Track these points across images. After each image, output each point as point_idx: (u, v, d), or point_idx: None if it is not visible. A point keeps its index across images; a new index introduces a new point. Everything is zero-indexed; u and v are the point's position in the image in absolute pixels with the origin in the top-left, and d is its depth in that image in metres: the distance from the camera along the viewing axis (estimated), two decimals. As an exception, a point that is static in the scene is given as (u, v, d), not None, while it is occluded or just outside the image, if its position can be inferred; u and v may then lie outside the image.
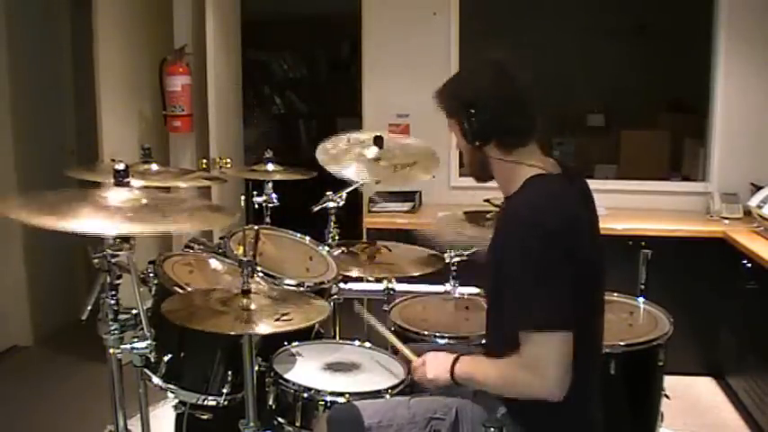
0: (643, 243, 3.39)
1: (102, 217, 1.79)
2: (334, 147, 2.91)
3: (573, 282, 1.69)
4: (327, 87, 6.92)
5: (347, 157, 2.82)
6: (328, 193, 2.92)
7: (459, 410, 1.84)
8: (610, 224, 3.85)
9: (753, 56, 4.15)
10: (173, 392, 2.17)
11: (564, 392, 1.65)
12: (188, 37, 4.25)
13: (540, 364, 1.65)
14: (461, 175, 4.48)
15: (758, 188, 3.92)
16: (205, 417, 2.29)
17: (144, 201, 1.89)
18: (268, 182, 2.99)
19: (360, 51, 4.63)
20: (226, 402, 2.17)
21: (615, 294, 2.69)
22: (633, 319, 2.61)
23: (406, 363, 2.08)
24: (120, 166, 1.93)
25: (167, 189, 2.78)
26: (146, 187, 2.21)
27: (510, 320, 1.73)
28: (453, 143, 1.96)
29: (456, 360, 1.86)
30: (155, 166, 2.67)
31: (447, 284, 2.75)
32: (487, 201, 2.82)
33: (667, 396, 2.52)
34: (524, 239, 1.69)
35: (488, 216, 2.86)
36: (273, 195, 2.97)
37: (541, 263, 1.67)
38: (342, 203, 2.92)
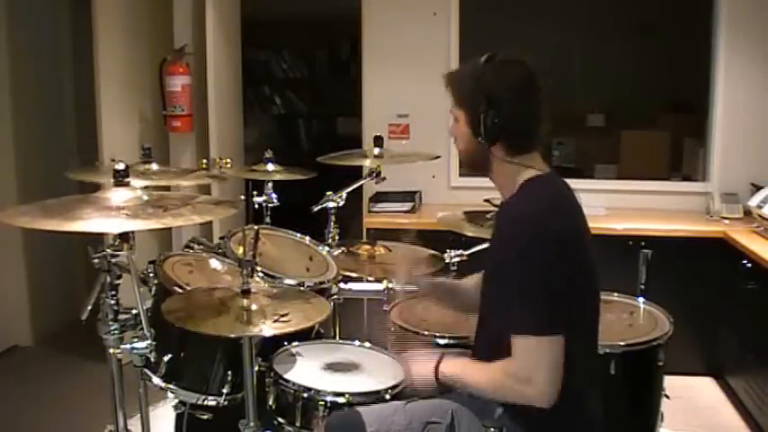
0: (643, 243, 3.39)
1: (106, 216, 1.79)
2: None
3: (569, 284, 1.69)
4: (327, 87, 6.93)
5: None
6: (328, 193, 2.92)
7: (456, 414, 1.83)
8: (610, 224, 3.85)
9: (753, 56, 4.15)
10: (173, 392, 2.17)
11: (553, 399, 1.65)
12: (188, 37, 4.25)
13: (530, 372, 1.66)
14: (461, 175, 4.48)
15: (758, 188, 3.92)
16: (205, 417, 2.29)
17: (144, 197, 1.90)
18: (268, 182, 2.99)
19: (360, 51, 4.63)
20: (226, 402, 2.17)
21: (615, 294, 2.70)
22: (633, 319, 2.61)
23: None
24: (120, 166, 1.93)
25: (167, 188, 2.78)
26: (146, 187, 2.20)
27: (500, 322, 1.73)
28: (451, 137, 1.93)
29: (440, 360, 1.87)
30: (155, 166, 2.68)
31: (447, 284, 2.75)
32: (487, 201, 2.82)
33: (667, 396, 2.52)
34: (523, 241, 1.68)
35: (488, 216, 2.86)
36: (273, 195, 2.98)
37: (539, 265, 1.66)
38: (342, 203, 2.92)
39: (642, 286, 2.75)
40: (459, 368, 1.84)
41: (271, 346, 2.23)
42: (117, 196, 1.89)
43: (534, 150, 1.83)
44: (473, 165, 1.89)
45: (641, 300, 2.71)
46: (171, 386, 2.16)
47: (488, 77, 1.77)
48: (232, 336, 1.99)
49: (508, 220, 1.79)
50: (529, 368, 1.66)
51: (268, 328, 1.94)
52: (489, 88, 1.76)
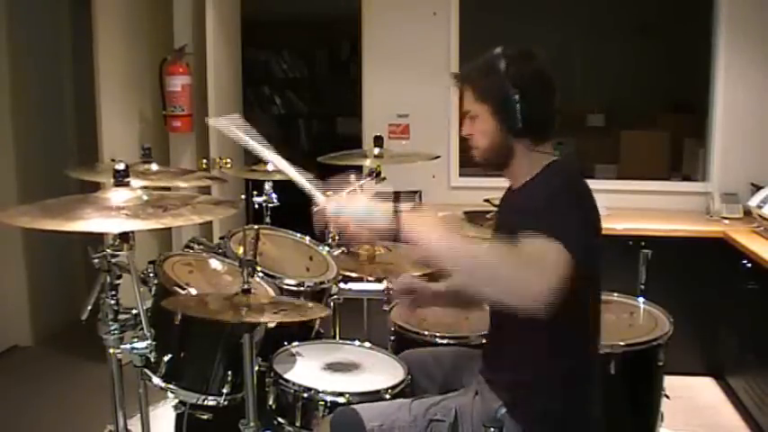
0: (643, 243, 3.39)
1: (106, 216, 1.79)
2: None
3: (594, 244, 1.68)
4: (327, 87, 6.93)
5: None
6: (328, 193, 2.92)
7: (459, 412, 1.83)
8: (610, 224, 3.82)
9: (753, 56, 4.15)
10: (173, 392, 2.17)
11: (547, 303, 1.44)
12: (188, 37, 4.25)
13: (543, 261, 1.51)
14: (461, 175, 4.48)
15: (758, 188, 3.92)
16: (205, 417, 2.29)
17: (144, 197, 1.90)
18: (268, 182, 2.99)
19: (360, 51, 4.64)
20: (226, 402, 2.17)
21: (615, 294, 2.70)
22: (633, 319, 2.61)
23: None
24: (121, 166, 1.93)
25: (167, 189, 2.78)
26: (146, 187, 2.20)
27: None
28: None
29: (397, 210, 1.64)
30: (155, 166, 2.67)
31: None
32: (487, 201, 2.83)
33: (667, 396, 2.52)
34: (557, 199, 1.69)
35: (488, 216, 2.86)
36: (273, 195, 2.98)
37: (570, 209, 1.67)
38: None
39: (642, 286, 2.76)
40: (443, 231, 1.58)
41: (271, 346, 2.23)
42: (117, 196, 1.89)
43: (550, 139, 1.86)
44: (494, 160, 1.87)
45: (641, 300, 2.71)
46: (171, 386, 2.16)
47: (514, 69, 1.77)
48: (232, 321, 1.96)
49: (537, 193, 1.77)
50: (543, 258, 1.52)
51: (268, 317, 1.93)
52: (519, 79, 1.76)
